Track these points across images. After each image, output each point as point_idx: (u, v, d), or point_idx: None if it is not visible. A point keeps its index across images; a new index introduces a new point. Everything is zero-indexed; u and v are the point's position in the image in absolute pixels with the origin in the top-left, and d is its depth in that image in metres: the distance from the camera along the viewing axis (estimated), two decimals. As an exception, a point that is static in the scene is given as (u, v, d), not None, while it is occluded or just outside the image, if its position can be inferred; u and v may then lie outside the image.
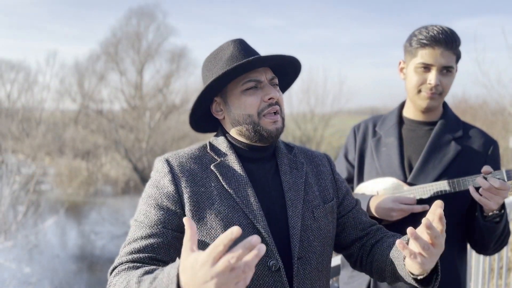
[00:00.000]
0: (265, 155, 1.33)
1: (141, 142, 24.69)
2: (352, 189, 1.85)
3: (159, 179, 1.25)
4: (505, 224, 1.63)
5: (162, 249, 1.18)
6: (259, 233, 1.20)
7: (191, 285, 0.86)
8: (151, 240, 1.18)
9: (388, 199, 1.60)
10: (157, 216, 1.20)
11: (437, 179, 1.65)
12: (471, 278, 2.90)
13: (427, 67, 1.64)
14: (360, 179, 1.82)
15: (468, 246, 2.80)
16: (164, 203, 1.22)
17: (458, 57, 1.68)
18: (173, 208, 1.21)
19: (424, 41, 1.63)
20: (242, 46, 1.29)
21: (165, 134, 25.00)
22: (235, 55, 1.27)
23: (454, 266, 1.70)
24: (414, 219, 1.62)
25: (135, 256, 1.16)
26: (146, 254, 1.16)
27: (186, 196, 1.22)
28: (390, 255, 1.25)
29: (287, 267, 1.23)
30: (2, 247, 10.36)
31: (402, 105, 1.84)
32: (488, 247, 1.68)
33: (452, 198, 1.62)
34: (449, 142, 1.70)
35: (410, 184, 1.67)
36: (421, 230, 1.06)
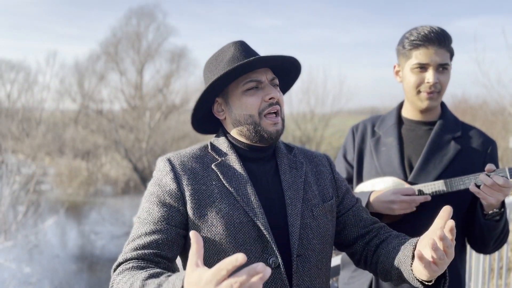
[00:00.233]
0: (265, 155, 1.35)
1: (141, 142, 24.70)
2: (352, 189, 1.85)
3: (161, 177, 1.27)
4: (505, 223, 1.64)
5: (166, 245, 1.20)
6: (259, 230, 1.22)
7: None
8: (155, 236, 1.19)
9: (388, 192, 1.61)
10: (160, 213, 1.22)
11: (438, 178, 1.66)
12: (471, 278, 2.91)
13: (423, 67, 1.65)
14: (359, 179, 1.83)
15: (468, 247, 2.81)
16: (166, 200, 1.23)
17: (451, 54, 1.70)
18: (176, 205, 1.23)
19: (417, 42, 1.64)
20: (243, 48, 1.31)
21: (165, 134, 25.01)
22: (236, 56, 1.28)
23: (455, 264, 1.72)
24: (415, 218, 1.63)
25: (140, 252, 1.17)
26: (151, 250, 1.17)
27: (187, 194, 1.23)
28: (397, 258, 1.25)
29: (287, 264, 1.24)
30: (2, 247, 10.37)
31: (400, 106, 1.85)
32: (488, 245, 1.69)
33: (452, 197, 1.63)
34: (448, 142, 1.71)
35: (411, 184, 1.68)
36: (430, 240, 1.05)
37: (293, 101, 24.98)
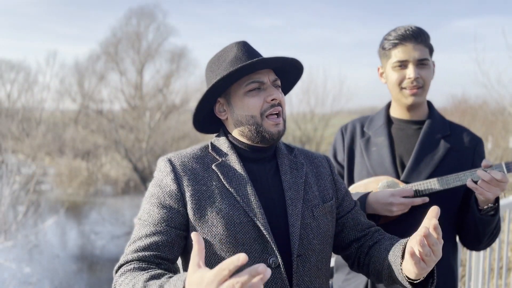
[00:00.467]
0: (266, 155, 1.35)
1: (141, 142, 24.70)
2: None
3: (162, 178, 1.27)
4: (498, 218, 1.67)
5: (166, 247, 1.21)
6: (259, 230, 1.23)
7: None
8: (155, 238, 1.20)
9: (387, 194, 1.62)
10: (160, 215, 1.23)
11: (430, 176, 1.68)
12: (471, 278, 2.91)
13: (403, 64, 1.69)
14: (350, 179, 1.85)
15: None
16: (167, 202, 1.24)
17: (430, 50, 1.73)
18: (176, 207, 1.24)
19: (395, 41, 1.69)
20: (245, 48, 1.31)
21: (165, 134, 25.01)
22: (239, 57, 1.29)
23: (449, 261, 1.74)
24: (410, 219, 1.64)
25: (140, 254, 1.18)
26: (151, 252, 1.19)
27: (188, 195, 1.24)
28: (387, 258, 1.27)
29: (287, 265, 1.25)
30: (2, 247, 10.37)
31: (388, 106, 1.87)
32: (482, 241, 1.71)
33: (445, 195, 1.66)
34: (438, 141, 1.74)
35: (404, 183, 1.70)
36: (418, 237, 1.08)
37: (293, 101, 24.98)
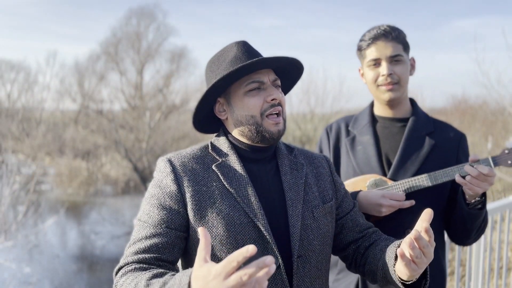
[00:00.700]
0: (266, 155, 1.35)
1: (141, 142, 24.69)
2: None
3: (162, 178, 1.27)
4: (486, 212, 1.70)
5: (166, 249, 1.20)
6: (259, 231, 1.22)
7: None
8: (155, 240, 1.19)
9: (377, 195, 1.63)
10: (160, 216, 1.22)
11: (416, 173, 1.70)
12: (471, 278, 2.91)
13: (376, 62, 1.73)
14: None
15: (469, 247, 2.82)
16: (167, 203, 1.23)
17: (404, 46, 1.75)
18: (176, 208, 1.23)
19: (367, 42, 1.74)
20: (245, 48, 1.31)
21: (165, 134, 24.99)
22: (239, 57, 1.29)
23: (438, 257, 1.76)
24: (400, 217, 1.66)
25: (141, 256, 1.18)
26: (151, 254, 1.18)
27: (188, 195, 1.23)
28: (382, 259, 1.28)
29: (287, 265, 1.25)
30: (2, 247, 10.36)
31: (372, 105, 1.89)
32: (470, 236, 1.73)
33: (432, 191, 1.68)
34: (423, 137, 1.76)
35: (391, 180, 1.71)
36: (408, 239, 1.08)
37: (293, 101, 24.94)
